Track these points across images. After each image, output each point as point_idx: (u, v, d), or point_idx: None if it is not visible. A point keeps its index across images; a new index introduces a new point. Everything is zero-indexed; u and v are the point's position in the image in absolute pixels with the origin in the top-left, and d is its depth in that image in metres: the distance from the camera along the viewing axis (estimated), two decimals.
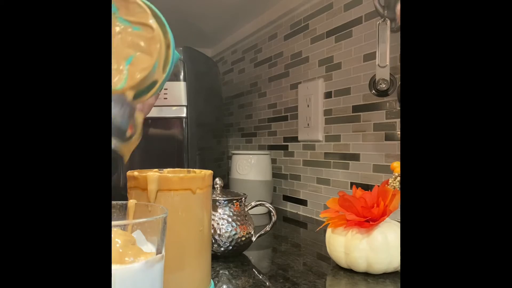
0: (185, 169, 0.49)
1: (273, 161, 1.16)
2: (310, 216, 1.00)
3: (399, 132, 0.74)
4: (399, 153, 0.69)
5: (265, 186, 1.05)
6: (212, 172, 0.46)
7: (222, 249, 0.60)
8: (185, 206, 0.42)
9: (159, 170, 0.47)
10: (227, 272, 0.55)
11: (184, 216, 0.42)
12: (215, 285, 0.50)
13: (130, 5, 0.39)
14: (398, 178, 0.57)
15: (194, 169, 0.48)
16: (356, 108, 0.86)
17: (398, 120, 0.75)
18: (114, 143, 0.36)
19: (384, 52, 0.68)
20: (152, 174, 0.41)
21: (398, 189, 0.55)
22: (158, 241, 0.35)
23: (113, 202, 0.38)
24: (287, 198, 1.11)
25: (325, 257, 0.61)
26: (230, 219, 0.60)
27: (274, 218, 0.65)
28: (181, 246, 0.42)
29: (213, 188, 0.65)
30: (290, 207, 1.10)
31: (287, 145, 1.12)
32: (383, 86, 0.69)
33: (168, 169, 0.48)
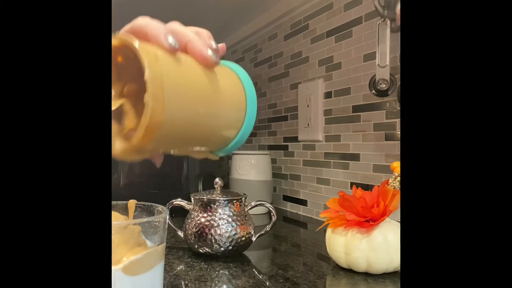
0: None
1: (273, 161, 1.16)
2: (310, 216, 1.00)
3: (399, 132, 0.74)
4: (399, 153, 0.69)
5: (265, 186, 1.05)
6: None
7: (222, 249, 0.60)
8: None
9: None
10: (227, 272, 0.55)
11: None
12: (215, 285, 0.50)
13: None
14: (398, 178, 0.57)
15: None
16: (356, 108, 0.86)
17: (398, 120, 0.75)
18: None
19: (384, 52, 0.68)
20: None
21: (398, 189, 0.55)
22: (158, 240, 0.35)
23: (113, 202, 0.38)
24: (287, 198, 1.11)
25: (325, 257, 0.61)
26: (230, 219, 0.60)
27: (274, 218, 0.65)
28: None
29: (213, 188, 0.65)
30: (290, 207, 1.10)
31: (287, 145, 1.12)
32: (383, 86, 0.69)
33: None
